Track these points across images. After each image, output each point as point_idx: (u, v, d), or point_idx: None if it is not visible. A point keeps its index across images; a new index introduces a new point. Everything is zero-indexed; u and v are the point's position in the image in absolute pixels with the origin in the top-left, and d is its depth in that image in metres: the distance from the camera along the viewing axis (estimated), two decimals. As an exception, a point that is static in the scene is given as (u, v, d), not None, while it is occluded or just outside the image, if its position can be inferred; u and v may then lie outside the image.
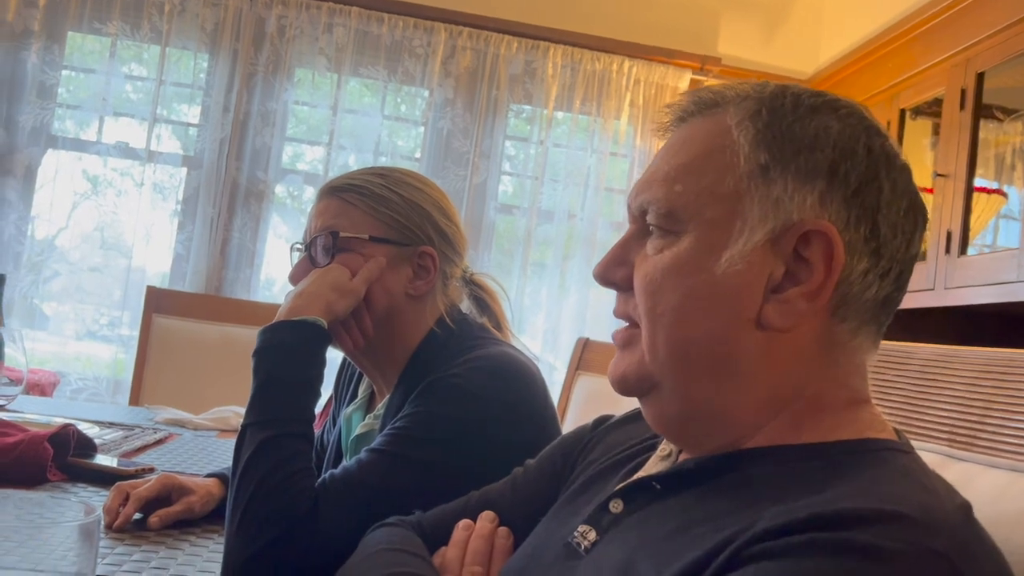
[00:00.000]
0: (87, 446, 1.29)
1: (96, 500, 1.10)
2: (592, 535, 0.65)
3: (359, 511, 0.92)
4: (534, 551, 0.71)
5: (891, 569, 0.44)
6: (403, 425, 1.00)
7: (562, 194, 3.49)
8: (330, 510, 0.93)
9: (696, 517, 0.57)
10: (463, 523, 0.81)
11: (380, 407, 1.16)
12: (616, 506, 0.65)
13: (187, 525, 1.07)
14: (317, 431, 1.28)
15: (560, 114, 3.53)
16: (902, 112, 2.95)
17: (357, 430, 1.18)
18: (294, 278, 1.13)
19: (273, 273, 3.50)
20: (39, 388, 2.77)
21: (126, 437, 1.58)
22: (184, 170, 3.36)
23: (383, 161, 3.41)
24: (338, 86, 3.39)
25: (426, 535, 0.83)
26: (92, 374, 3.29)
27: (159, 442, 1.61)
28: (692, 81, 3.51)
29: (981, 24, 2.52)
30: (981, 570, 0.47)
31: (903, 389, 1.10)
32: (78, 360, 3.37)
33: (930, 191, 2.64)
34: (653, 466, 0.68)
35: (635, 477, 0.67)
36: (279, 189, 3.48)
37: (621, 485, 0.67)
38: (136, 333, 2.59)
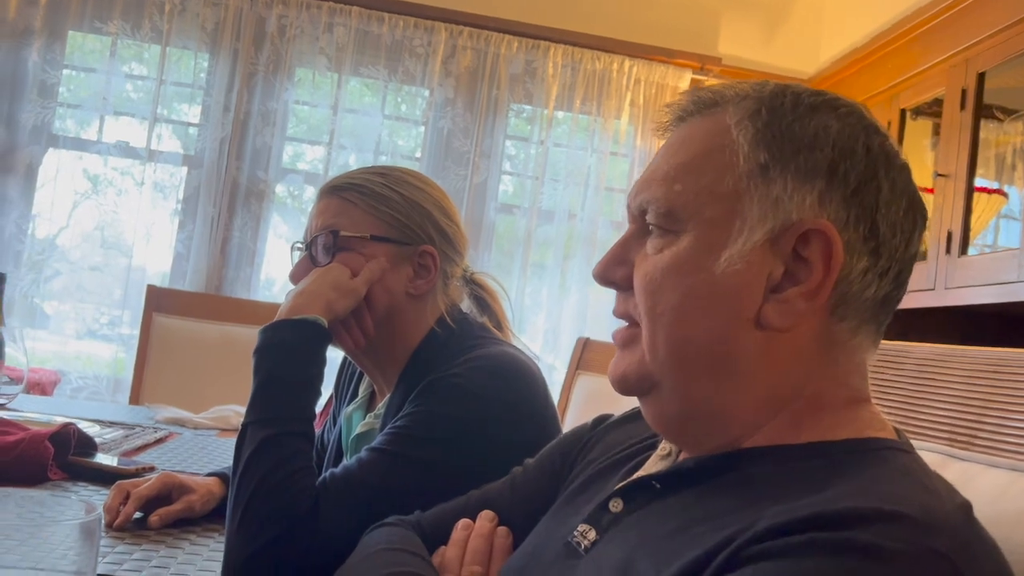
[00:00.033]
0: (88, 445, 1.30)
1: (97, 499, 1.10)
2: (592, 534, 0.65)
3: (359, 510, 0.92)
4: (534, 550, 0.71)
5: (891, 569, 0.44)
6: (403, 424, 1.00)
7: (562, 194, 3.49)
8: (330, 509, 0.93)
9: (696, 516, 0.57)
10: (462, 522, 0.81)
11: (380, 406, 1.16)
12: (616, 505, 0.65)
13: (187, 524, 1.07)
14: (317, 430, 1.28)
15: (560, 114, 3.53)
16: (902, 112, 2.95)
17: (357, 429, 1.18)
18: (295, 277, 1.13)
19: (273, 273, 3.50)
20: (39, 387, 2.77)
21: (126, 436, 1.58)
22: (184, 169, 3.37)
23: (383, 161, 3.41)
24: (338, 86, 3.39)
25: (425, 534, 0.83)
26: (92, 373, 3.29)
27: (159, 441, 1.61)
28: (692, 81, 3.51)
29: (981, 24, 2.52)
30: (982, 570, 0.47)
31: (902, 388, 1.10)
32: (78, 359, 3.37)
33: (930, 191, 2.64)
34: (653, 465, 0.68)
35: (635, 476, 0.67)
36: (279, 189, 3.48)
37: (621, 484, 0.67)
38: (136, 332, 2.59)
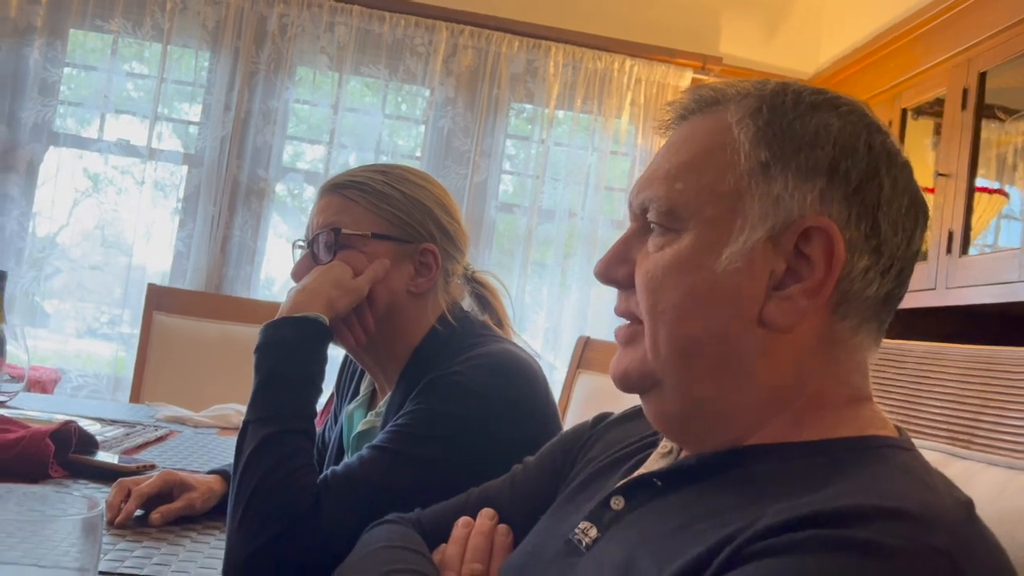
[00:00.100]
0: (88, 443, 1.30)
1: (98, 496, 1.11)
2: (593, 532, 0.65)
3: (360, 508, 0.92)
4: (534, 548, 0.71)
5: (892, 566, 0.44)
6: (405, 422, 1.00)
7: (563, 193, 3.49)
8: (332, 507, 0.93)
9: (697, 514, 0.57)
10: (463, 520, 0.81)
11: (382, 404, 1.16)
12: (617, 503, 0.65)
13: (188, 521, 1.07)
14: (318, 428, 1.28)
15: (561, 113, 3.52)
16: (903, 112, 2.95)
17: (359, 427, 1.19)
18: (296, 275, 1.13)
19: (273, 272, 3.51)
20: (40, 385, 2.77)
21: (127, 434, 1.58)
22: (185, 168, 3.37)
23: (384, 160, 3.41)
24: (339, 85, 3.39)
25: (426, 532, 0.83)
26: (93, 371, 3.29)
27: (160, 439, 1.61)
28: (693, 80, 3.51)
29: (983, 24, 2.52)
30: (982, 567, 0.47)
31: (902, 386, 1.10)
32: (78, 357, 3.37)
33: (931, 191, 2.64)
34: (654, 463, 0.68)
35: (636, 474, 0.67)
36: (280, 187, 3.48)
37: (622, 482, 0.67)
38: (137, 331, 2.60)
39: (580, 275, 3.47)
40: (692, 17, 3.58)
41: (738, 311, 0.60)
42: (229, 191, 3.32)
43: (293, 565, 0.91)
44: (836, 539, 0.46)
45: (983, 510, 0.52)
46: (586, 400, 2.27)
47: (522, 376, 1.06)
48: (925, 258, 2.59)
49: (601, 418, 0.85)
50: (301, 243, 1.18)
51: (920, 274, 2.50)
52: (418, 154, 3.50)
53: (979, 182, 2.54)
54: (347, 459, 1.01)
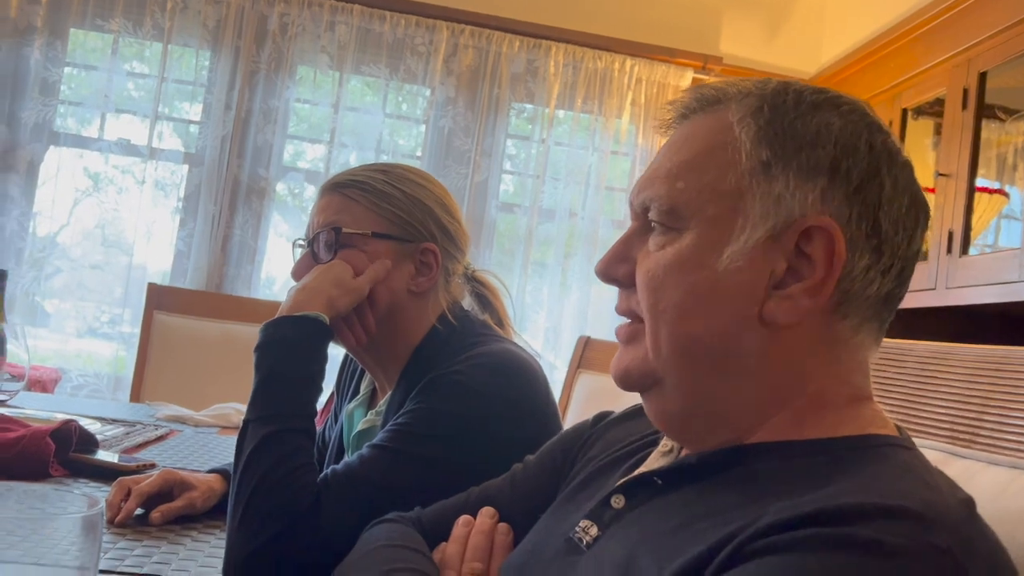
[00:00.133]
0: (89, 442, 1.30)
1: (98, 495, 1.10)
2: (594, 530, 0.65)
3: (361, 507, 0.92)
4: (534, 547, 0.71)
5: (893, 564, 0.44)
6: (405, 421, 1.00)
7: (563, 193, 3.49)
8: (332, 506, 0.93)
9: (698, 512, 0.57)
10: (463, 519, 0.81)
11: (382, 403, 1.16)
12: (618, 501, 0.65)
13: (189, 520, 1.07)
14: (319, 427, 1.28)
15: (561, 113, 3.52)
16: (904, 112, 2.95)
17: (359, 426, 1.19)
18: (296, 274, 1.13)
19: (274, 271, 3.51)
20: (40, 384, 2.77)
21: (127, 433, 1.58)
22: (185, 167, 3.37)
23: (384, 159, 3.41)
24: (340, 84, 3.39)
25: (426, 531, 0.83)
26: (93, 371, 3.29)
27: (160, 438, 1.61)
28: (694, 80, 3.51)
29: (983, 24, 2.52)
30: (984, 565, 0.47)
31: (903, 386, 1.10)
32: (79, 357, 3.37)
33: (932, 191, 2.64)
34: (654, 462, 0.68)
35: (636, 472, 0.67)
36: (280, 187, 3.48)
37: (623, 481, 0.67)
38: (137, 330, 2.59)
39: (580, 275, 3.47)
40: (693, 17, 3.58)
41: (739, 310, 0.60)
42: (230, 190, 3.32)
43: (293, 564, 0.91)
44: (838, 537, 0.46)
45: (984, 509, 0.52)
46: (586, 400, 2.27)
47: (522, 375, 1.06)
48: (925, 258, 2.59)
49: (601, 417, 0.85)
50: (301, 242, 1.18)
51: (920, 274, 2.50)
52: (419, 154, 3.50)
53: (979, 182, 2.54)
54: (347, 458, 1.01)
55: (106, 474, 1.21)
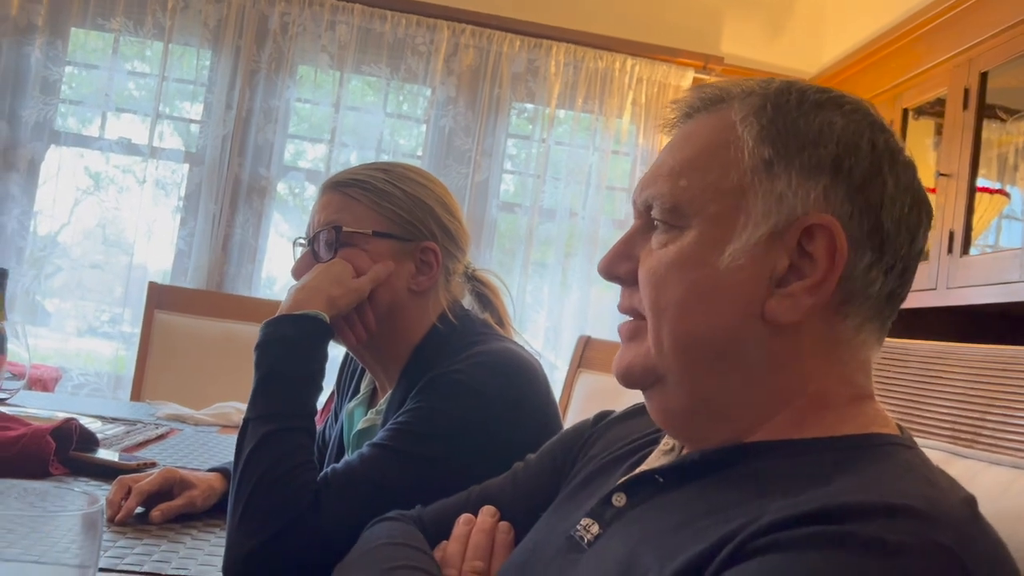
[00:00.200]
0: (89, 440, 1.30)
1: (98, 494, 1.10)
2: (595, 528, 0.65)
3: (361, 505, 0.92)
4: (535, 546, 0.71)
5: (895, 562, 0.44)
6: (405, 420, 1.00)
7: (564, 192, 3.49)
8: (332, 504, 0.93)
9: (700, 510, 0.57)
10: (464, 517, 0.81)
11: (382, 402, 1.16)
12: (619, 500, 0.65)
13: (189, 519, 1.07)
14: (319, 426, 1.28)
15: (562, 112, 3.52)
16: (905, 112, 2.95)
17: (359, 425, 1.18)
18: (297, 273, 1.13)
19: (274, 270, 3.51)
20: (41, 383, 2.77)
21: (128, 432, 1.58)
22: (186, 166, 3.37)
23: (385, 159, 3.41)
24: (340, 83, 3.39)
25: (427, 529, 0.83)
26: (94, 370, 3.29)
27: (161, 437, 1.61)
28: (695, 80, 3.51)
29: (984, 24, 2.52)
30: (986, 563, 0.47)
31: (905, 385, 1.10)
32: (79, 356, 3.37)
33: (933, 191, 2.64)
34: (656, 460, 0.68)
35: (638, 471, 0.67)
36: (281, 186, 3.48)
37: (624, 479, 0.67)
38: (137, 330, 2.59)
39: (581, 274, 3.47)
40: (694, 17, 3.58)
41: (741, 307, 0.60)
42: (230, 190, 3.32)
43: (293, 562, 0.91)
44: (840, 535, 0.46)
45: (986, 509, 0.52)
46: (587, 399, 2.27)
47: (523, 375, 1.06)
48: (926, 258, 2.59)
49: (602, 416, 0.85)
50: (302, 241, 1.17)
51: (921, 274, 2.50)
52: (419, 153, 3.50)
53: (980, 182, 2.54)
54: (347, 457, 1.01)
55: (106, 472, 1.21)
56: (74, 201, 3.37)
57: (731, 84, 0.66)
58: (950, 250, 2.52)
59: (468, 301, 1.23)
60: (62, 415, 1.38)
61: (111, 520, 1.01)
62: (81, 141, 3.33)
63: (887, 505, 0.47)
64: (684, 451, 0.67)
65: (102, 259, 3.33)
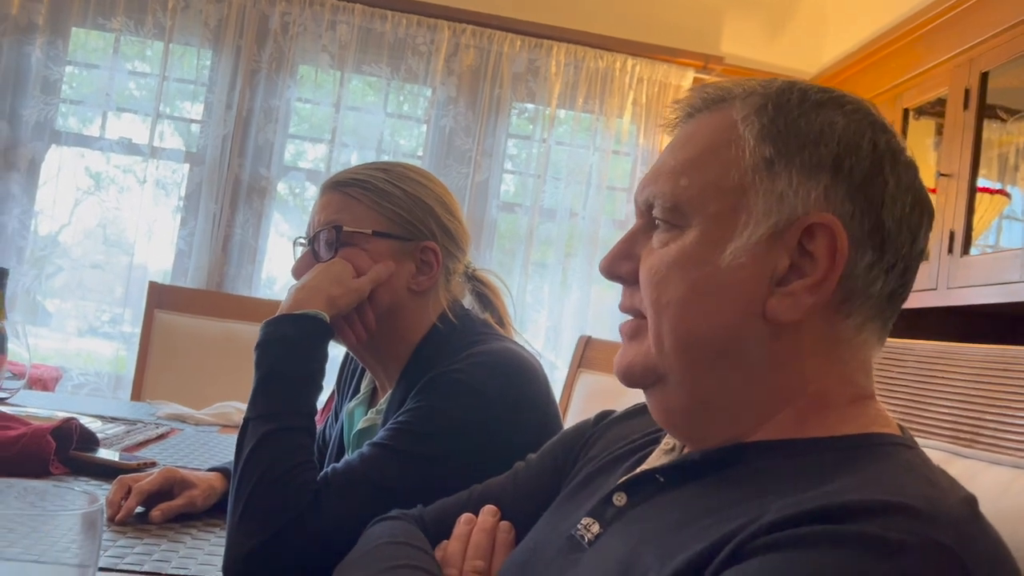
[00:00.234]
0: (89, 440, 1.30)
1: (98, 493, 1.10)
2: (596, 528, 0.65)
3: (361, 505, 0.92)
4: (536, 545, 0.71)
5: (896, 561, 0.44)
6: (405, 420, 1.00)
7: (564, 192, 3.49)
8: (332, 504, 0.93)
9: (700, 510, 0.57)
10: (465, 517, 0.81)
11: (382, 402, 1.16)
12: (620, 499, 0.65)
13: (189, 519, 1.07)
14: (319, 426, 1.28)
15: (563, 112, 3.52)
16: (905, 112, 2.94)
17: (359, 425, 1.18)
18: (297, 272, 1.13)
19: (275, 270, 3.51)
20: (41, 383, 2.77)
21: (128, 432, 1.58)
22: (187, 166, 3.37)
23: (385, 159, 3.41)
24: (341, 83, 3.39)
25: (427, 529, 0.83)
26: (94, 370, 3.29)
27: (161, 437, 1.61)
28: (695, 80, 3.51)
29: (985, 24, 2.52)
30: (986, 562, 0.47)
31: (905, 385, 1.10)
32: (79, 356, 3.37)
33: (933, 191, 2.64)
34: (656, 459, 0.68)
35: (639, 470, 0.67)
36: (281, 186, 3.48)
37: (624, 478, 0.67)
38: (138, 330, 2.59)
39: (581, 274, 3.47)
40: (694, 16, 3.58)
41: (742, 306, 0.60)
42: (231, 189, 3.33)
43: (293, 562, 0.91)
44: (840, 534, 0.46)
45: (986, 509, 0.52)
46: (587, 399, 2.27)
47: (523, 374, 1.06)
48: (927, 258, 2.59)
49: (603, 416, 0.85)
50: (302, 240, 1.17)
51: (921, 274, 2.49)
52: (420, 153, 3.50)
53: (981, 182, 2.54)
54: (347, 456, 1.01)
55: (107, 472, 1.21)
56: (75, 201, 3.37)
57: (733, 84, 0.66)
58: (950, 250, 2.52)
59: (468, 301, 1.23)
60: (62, 415, 1.38)
61: (111, 520, 1.01)
62: (82, 141, 3.33)
63: (887, 504, 0.47)
64: (685, 450, 0.67)
65: (102, 259, 3.33)
